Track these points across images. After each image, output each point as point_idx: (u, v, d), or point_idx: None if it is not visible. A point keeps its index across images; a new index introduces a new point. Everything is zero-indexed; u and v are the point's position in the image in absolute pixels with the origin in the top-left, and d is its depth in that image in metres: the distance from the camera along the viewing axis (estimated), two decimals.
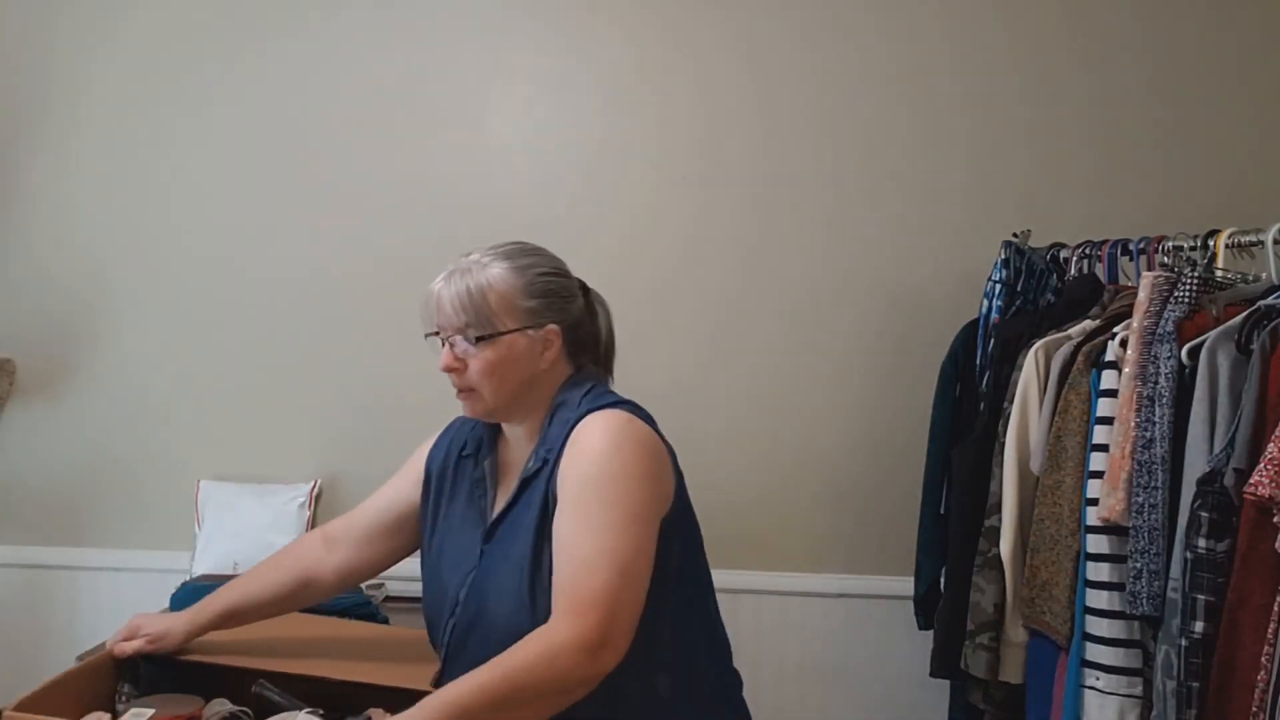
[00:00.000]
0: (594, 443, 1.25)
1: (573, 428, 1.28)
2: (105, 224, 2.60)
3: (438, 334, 1.35)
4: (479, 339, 1.31)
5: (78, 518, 2.62)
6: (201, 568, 2.45)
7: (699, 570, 1.38)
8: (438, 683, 1.33)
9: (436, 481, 1.45)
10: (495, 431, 1.43)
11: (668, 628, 1.29)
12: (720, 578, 2.52)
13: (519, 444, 1.38)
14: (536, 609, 1.22)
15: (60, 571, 2.62)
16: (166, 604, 2.27)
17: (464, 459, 1.44)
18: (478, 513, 1.37)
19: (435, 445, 1.50)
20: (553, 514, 1.25)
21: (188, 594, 2.19)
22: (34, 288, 2.61)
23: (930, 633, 2.14)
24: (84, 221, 2.61)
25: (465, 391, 1.34)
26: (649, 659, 1.25)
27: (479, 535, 1.34)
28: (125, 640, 1.44)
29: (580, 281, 1.44)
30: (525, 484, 1.32)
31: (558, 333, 1.36)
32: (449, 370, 1.33)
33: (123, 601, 2.55)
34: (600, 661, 1.15)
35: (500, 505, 1.35)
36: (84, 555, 2.61)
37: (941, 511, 2.24)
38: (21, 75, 2.61)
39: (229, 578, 2.38)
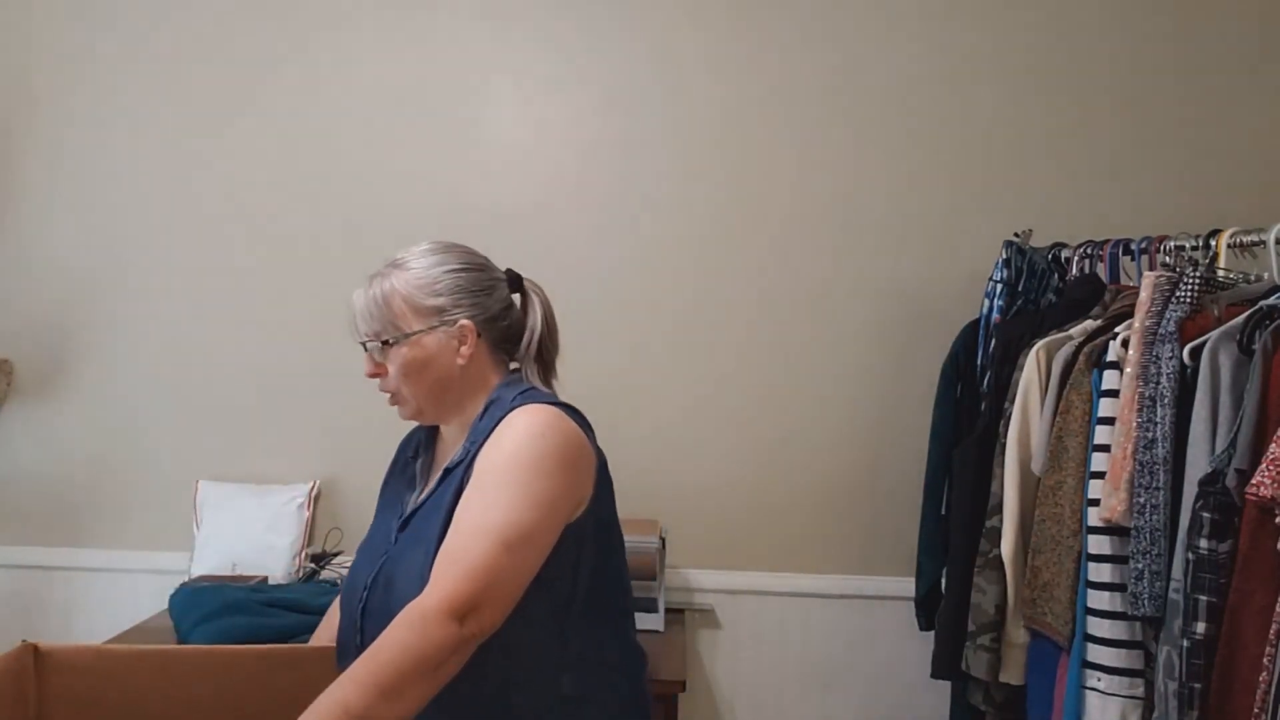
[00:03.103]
0: (514, 431, 1.26)
1: (499, 420, 1.29)
2: (104, 224, 2.60)
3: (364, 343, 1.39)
4: (385, 343, 1.34)
5: (77, 518, 2.61)
6: (200, 568, 2.45)
7: (614, 578, 1.37)
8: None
9: (384, 486, 1.50)
10: (433, 433, 1.46)
11: (575, 629, 1.29)
12: (720, 578, 2.55)
13: (452, 442, 1.40)
14: None
15: (59, 572, 2.61)
16: (165, 605, 2.28)
17: (410, 461, 1.47)
18: (400, 506, 1.41)
19: (398, 450, 1.53)
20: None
21: (186, 595, 2.19)
22: (32, 288, 2.61)
23: (931, 634, 2.14)
24: (82, 222, 2.61)
25: (392, 397, 1.38)
26: (555, 657, 1.27)
27: (394, 524, 1.37)
28: None
29: (510, 274, 1.43)
30: (446, 474, 1.33)
31: (472, 328, 1.35)
32: (372, 376, 1.37)
33: (121, 602, 2.55)
34: (467, 628, 1.13)
35: (422, 498, 1.37)
36: (83, 555, 2.61)
37: (943, 512, 2.24)
38: (16, 75, 2.61)
39: (228, 578, 2.40)
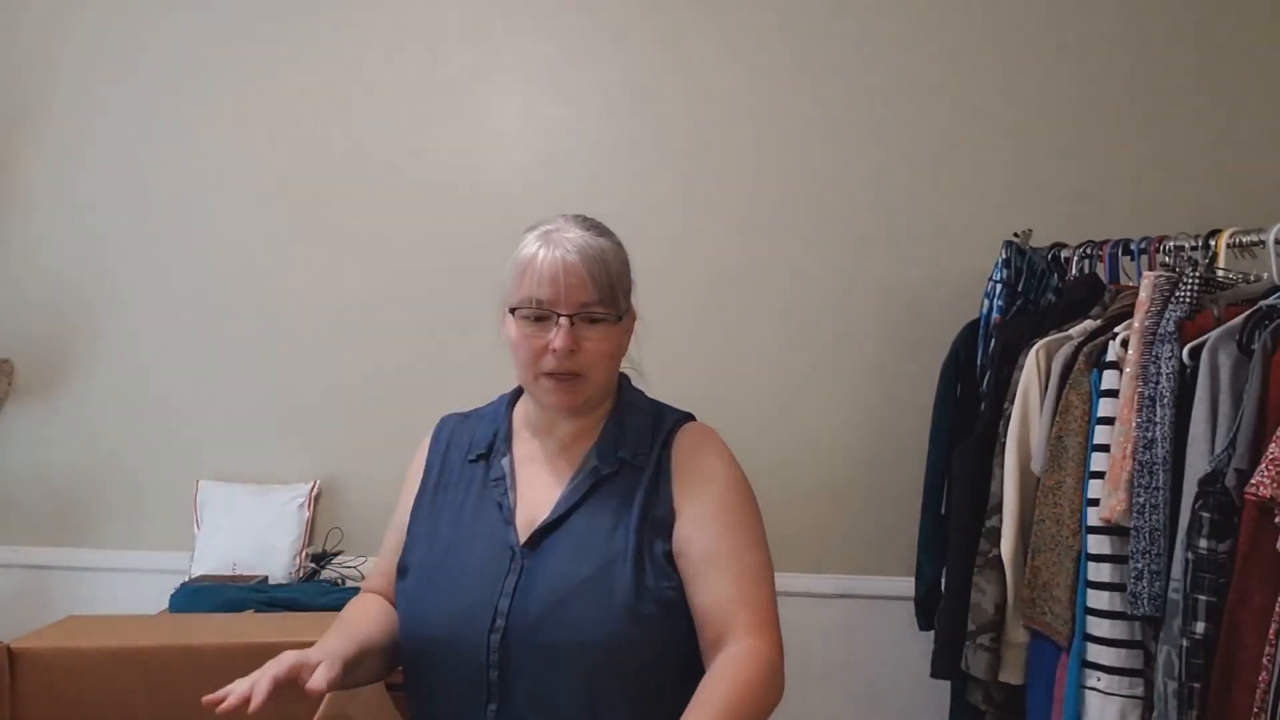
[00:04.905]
0: (715, 458, 1.23)
1: (668, 435, 1.23)
2: (105, 225, 2.60)
3: (520, 308, 1.16)
4: (619, 317, 1.18)
5: (77, 518, 2.61)
6: (201, 568, 2.45)
7: None
8: (460, 704, 1.14)
9: (434, 488, 1.27)
10: (509, 430, 1.28)
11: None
12: None
13: (565, 441, 1.23)
14: (641, 612, 1.11)
15: (60, 572, 2.61)
16: (165, 605, 2.27)
17: (471, 464, 1.26)
18: (498, 516, 1.20)
19: (430, 452, 1.31)
20: (654, 518, 1.17)
21: (186, 595, 2.19)
22: (34, 289, 2.61)
23: (931, 633, 2.14)
24: (83, 223, 2.61)
25: (569, 378, 1.15)
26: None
27: (508, 540, 1.17)
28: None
29: None
30: (597, 485, 1.19)
31: (635, 318, 1.25)
32: (569, 351, 1.13)
33: (121, 602, 2.55)
34: None
35: (549, 508, 1.19)
36: (83, 555, 2.61)
37: (942, 512, 2.24)
38: (23, 77, 2.61)
39: (228, 578, 2.40)
